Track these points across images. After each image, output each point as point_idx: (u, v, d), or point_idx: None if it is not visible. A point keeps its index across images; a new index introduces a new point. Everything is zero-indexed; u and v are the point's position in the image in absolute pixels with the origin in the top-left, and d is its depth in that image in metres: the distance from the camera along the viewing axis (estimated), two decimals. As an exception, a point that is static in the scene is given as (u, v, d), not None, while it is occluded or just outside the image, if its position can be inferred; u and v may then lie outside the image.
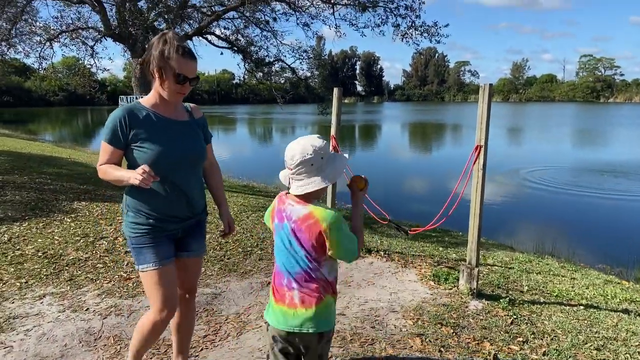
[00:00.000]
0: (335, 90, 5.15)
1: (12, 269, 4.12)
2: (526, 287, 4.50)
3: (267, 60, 11.48)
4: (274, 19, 10.23)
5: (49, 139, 25.77)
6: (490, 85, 3.91)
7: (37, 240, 4.87)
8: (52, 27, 9.66)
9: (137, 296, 3.71)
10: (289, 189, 1.79)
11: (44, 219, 5.66)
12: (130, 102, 8.85)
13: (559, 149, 24.59)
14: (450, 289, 4.20)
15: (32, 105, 72.44)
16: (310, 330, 1.73)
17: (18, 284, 3.84)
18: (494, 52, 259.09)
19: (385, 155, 23.35)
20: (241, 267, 4.51)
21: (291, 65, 11.60)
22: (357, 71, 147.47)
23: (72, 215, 5.90)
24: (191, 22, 10.31)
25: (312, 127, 40.02)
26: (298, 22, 10.59)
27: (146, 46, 9.70)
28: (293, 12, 10.12)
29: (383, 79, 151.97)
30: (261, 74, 11.67)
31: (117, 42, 10.16)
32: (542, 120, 50.28)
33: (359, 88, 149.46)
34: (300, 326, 1.74)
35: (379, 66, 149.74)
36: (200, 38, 10.48)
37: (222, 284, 4.04)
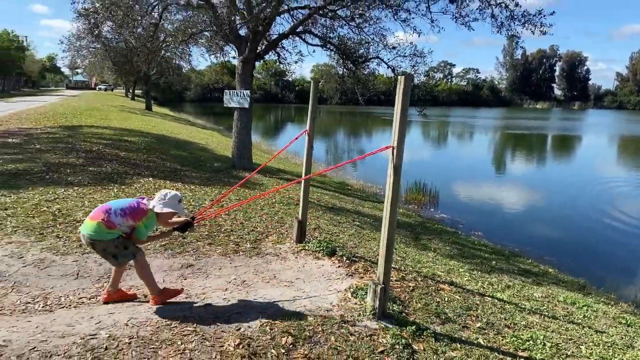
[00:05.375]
0: (312, 82, 4.96)
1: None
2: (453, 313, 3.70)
3: (364, 57, 11.44)
4: (361, 15, 10.11)
5: (219, 127, 30.58)
6: (407, 76, 3.31)
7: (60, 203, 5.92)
8: (178, 33, 11.27)
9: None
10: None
11: (95, 187, 6.74)
12: (234, 96, 9.68)
13: None
14: (361, 304, 3.73)
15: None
16: (91, 236, 3.27)
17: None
18: None
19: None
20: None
21: (389, 63, 11.31)
22: (557, 73, 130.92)
23: (123, 188, 6.98)
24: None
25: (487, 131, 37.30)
26: (396, 18, 10.28)
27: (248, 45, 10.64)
28: (383, 7, 9.86)
29: (590, 82, 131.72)
30: (360, 72, 11.72)
31: (227, 43, 11.40)
32: None
33: (557, 92, 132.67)
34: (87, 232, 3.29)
35: (585, 67, 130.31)
36: (295, 37, 11.01)
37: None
